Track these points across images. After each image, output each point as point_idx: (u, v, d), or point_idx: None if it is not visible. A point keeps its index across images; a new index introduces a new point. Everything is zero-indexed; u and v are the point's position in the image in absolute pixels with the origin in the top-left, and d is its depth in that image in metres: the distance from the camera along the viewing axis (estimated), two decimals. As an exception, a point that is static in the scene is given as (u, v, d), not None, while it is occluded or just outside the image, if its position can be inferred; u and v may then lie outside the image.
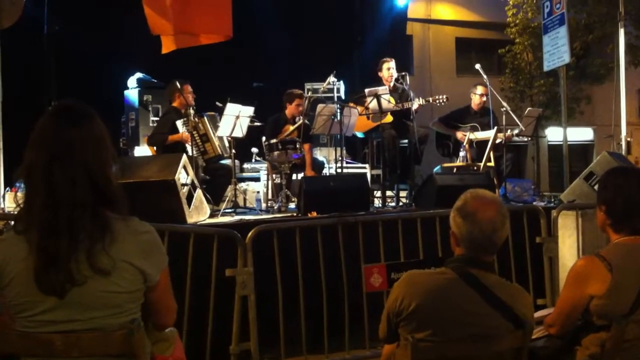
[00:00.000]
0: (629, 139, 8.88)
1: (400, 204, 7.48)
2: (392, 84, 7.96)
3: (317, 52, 10.28)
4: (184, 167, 5.53)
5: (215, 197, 6.67)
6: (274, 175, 7.46)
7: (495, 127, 7.48)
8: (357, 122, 7.57)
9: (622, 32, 9.08)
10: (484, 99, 8.14)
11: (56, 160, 2.07)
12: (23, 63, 7.77)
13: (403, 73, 7.99)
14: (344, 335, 4.86)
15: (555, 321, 2.85)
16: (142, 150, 8.56)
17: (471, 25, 20.30)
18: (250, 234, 4.49)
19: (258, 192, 8.11)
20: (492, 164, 7.43)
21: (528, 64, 17.33)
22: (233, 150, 7.02)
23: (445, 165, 7.99)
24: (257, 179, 8.56)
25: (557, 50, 8.99)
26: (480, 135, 7.70)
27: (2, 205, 6.16)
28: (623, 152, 8.44)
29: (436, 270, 2.59)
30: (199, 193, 5.73)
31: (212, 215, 6.01)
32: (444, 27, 20.45)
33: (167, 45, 7.46)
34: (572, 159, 10.92)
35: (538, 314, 3.00)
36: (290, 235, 4.77)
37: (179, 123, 7.00)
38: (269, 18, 10.30)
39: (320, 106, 7.16)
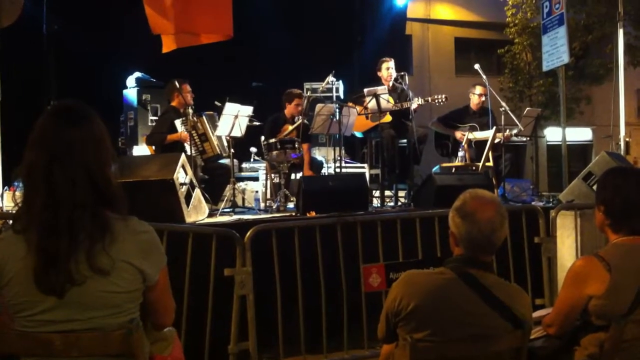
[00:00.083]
0: (627, 139, 8.89)
1: (399, 203, 7.48)
2: (391, 84, 7.96)
3: (316, 52, 10.28)
4: (183, 167, 5.52)
5: (213, 197, 6.67)
6: (272, 175, 7.46)
7: (494, 127, 7.48)
8: (356, 122, 7.57)
9: (621, 32, 9.09)
10: (483, 99, 8.14)
11: (56, 161, 2.07)
12: (22, 62, 7.77)
13: (402, 73, 7.97)
14: (342, 335, 4.86)
15: (554, 321, 2.86)
16: (141, 149, 8.56)
17: (470, 25, 20.31)
18: (248, 233, 4.49)
19: (257, 191, 8.10)
20: (490, 164, 7.43)
21: (527, 64, 17.35)
22: (232, 150, 7.03)
23: (444, 165, 7.99)
24: (256, 179, 8.56)
25: (556, 51, 8.99)
26: (479, 135, 7.70)
27: (0, 205, 6.15)
28: (622, 152, 8.43)
29: (435, 270, 2.59)
30: (197, 192, 5.72)
31: (210, 215, 6.01)
32: (443, 27, 20.46)
33: (168, 45, 7.46)
34: (571, 159, 10.94)
35: (537, 314, 3.00)
36: (289, 234, 4.76)
37: (178, 122, 7.00)
38: (268, 18, 10.29)
39: (319, 106, 7.16)
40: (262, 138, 7.49)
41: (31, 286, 2.04)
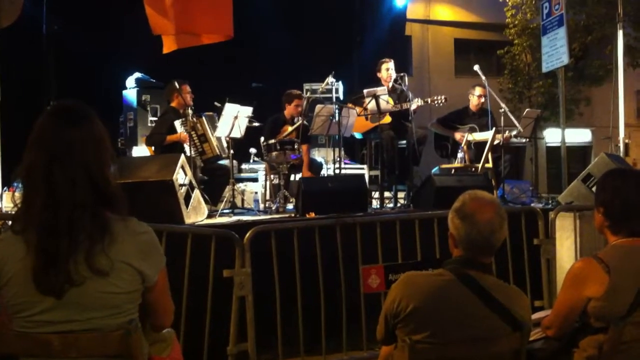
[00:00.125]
0: (627, 141, 8.88)
1: (399, 205, 7.48)
2: (390, 85, 7.96)
3: (316, 53, 10.28)
4: (182, 168, 5.52)
5: (213, 198, 6.66)
6: (272, 176, 7.46)
7: (494, 128, 7.48)
8: (356, 123, 7.57)
9: (620, 33, 9.09)
10: (482, 100, 8.14)
11: (56, 161, 2.07)
12: (22, 63, 7.77)
13: (402, 74, 7.97)
14: (341, 337, 4.86)
15: (553, 323, 2.86)
16: (141, 150, 8.56)
17: (470, 26, 20.31)
18: (248, 234, 4.48)
19: (256, 192, 8.11)
20: (490, 165, 7.43)
21: (527, 65, 17.35)
22: (231, 151, 7.02)
23: (444, 166, 7.99)
24: (255, 180, 8.56)
25: (555, 52, 8.99)
26: (478, 136, 7.70)
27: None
28: (621, 154, 8.44)
29: (434, 271, 2.59)
30: (197, 193, 5.72)
31: (210, 216, 6.00)
32: (443, 28, 20.46)
33: (168, 45, 7.46)
34: (570, 161, 10.94)
35: (536, 315, 3.01)
36: (288, 236, 4.76)
37: (177, 123, 7.00)
38: (268, 18, 10.30)
39: (318, 107, 7.16)
40: (262, 139, 7.49)
41: (30, 287, 2.04)
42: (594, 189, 4.71)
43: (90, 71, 8.91)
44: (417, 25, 19.60)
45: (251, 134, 7.46)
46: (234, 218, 6.00)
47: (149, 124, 8.79)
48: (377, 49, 10.63)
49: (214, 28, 7.59)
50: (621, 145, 8.68)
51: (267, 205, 7.16)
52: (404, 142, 7.87)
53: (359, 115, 7.47)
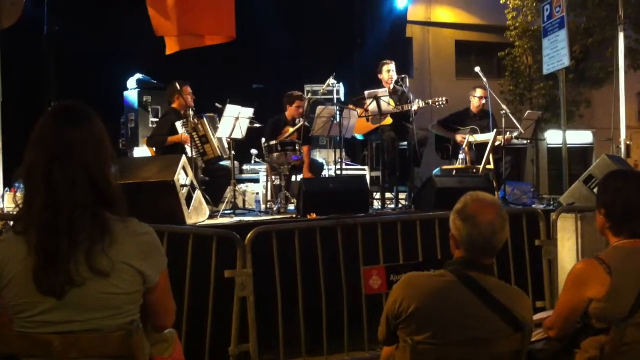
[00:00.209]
0: (628, 142, 8.89)
1: (400, 206, 7.48)
2: (392, 87, 7.96)
3: (317, 54, 10.28)
4: (184, 168, 5.52)
5: (214, 199, 6.66)
6: (273, 177, 7.45)
7: (495, 130, 7.49)
8: (357, 124, 7.57)
9: (621, 35, 9.10)
10: (483, 101, 8.15)
11: (56, 161, 2.07)
12: (23, 63, 7.76)
13: (403, 75, 7.98)
14: (343, 337, 4.86)
15: (555, 324, 2.85)
16: (142, 151, 8.57)
17: (471, 28, 20.33)
18: (249, 235, 4.48)
19: (257, 193, 8.11)
20: (491, 166, 7.43)
21: (528, 67, 17.36)
22: (232, 152, 7.02)
23: (445, 167, 7.99)
24: (257, 181, 8.56)
25: (556, 54, 9.00)
26: (479, 137, 7.70)
27: (1, 206, 6.15)
28: (623, 156, 8.44)
29: (435, 272, 2.59)
30: (198, 194, 5.72)
31: (211, 217, 6.00)
32: (444, 29, 20.47)
33: (171, 47, 7.46)
34: (572, 162, 10.95)
35: (537, 316, 3.00)
36: (289, 236, 4.76)
37: (179, 124, 7.00)
38: (269, 19, 10.29)
39: (319, 108, 7.16)
40: (263, 140, 7.50)
41: (31, 287, 2.04)
42: (595, 190, 4.71)
43: (92, 72, 8.91)
44: (418, 27, 19.62)
45: (252, 135, 7.47)
46: (236, 219, 6.00)
47: (150, 125, 8.80)
48: (378, 51, 10.63)
49: (216, 29, 7.59)
50: (622, 146, 8.69)
51: (268, 206, 7.16)
52: (405, 143, 7.88)
53: (360, 116, 7.47)
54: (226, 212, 6.48)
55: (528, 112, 8.51)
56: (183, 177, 5.47)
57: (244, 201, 7.90)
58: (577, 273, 2.81)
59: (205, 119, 7.13)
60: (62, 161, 2.07)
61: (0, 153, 6.13)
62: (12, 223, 2.36)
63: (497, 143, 7.43)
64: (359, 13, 12.00)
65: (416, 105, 7.53)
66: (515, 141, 8.06)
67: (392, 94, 7.86)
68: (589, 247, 5.51)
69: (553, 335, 2.87)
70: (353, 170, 9.08)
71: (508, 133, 7.51)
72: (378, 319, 2.67)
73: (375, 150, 8.24)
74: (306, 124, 7.50)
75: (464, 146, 7.63)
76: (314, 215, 5.78)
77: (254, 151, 8.76)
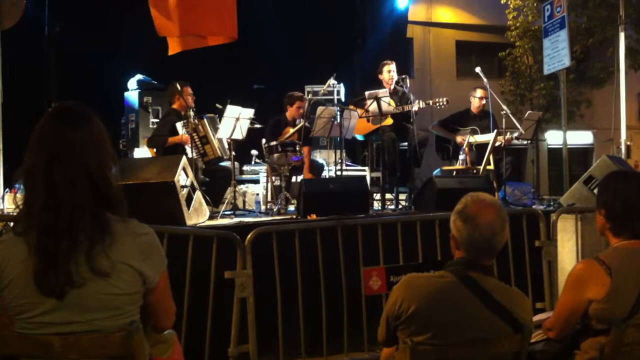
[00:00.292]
0: (628, 143, 8.89)
1: (400, 206, 7.48)
2: (392, 87, 7.96)
3: (317, 55, 10.28)
4: (184, 169, 5.52)
5: (214, 199, 6.66)
6: (273, 178, 7.45)
7: (495, 130, 7.49)
8: (357, 125, 7.57)
9: (622, 35, 9.10)
10: (484, 102, 8.15)
11: (56, 161, 2.07)
12: (23, 64, 7.77)
13: (403, 76, 7.98)
14: (342, 338, 4.86)
15: (554, 325, 2.85)
16: (142, 151, 8.57)
17: (471, 28, 20.32)
18: (249, 236, 4.48)
19: (257, 194, 8.11)
20: (491, 167, 7.43)
21: (528, 67, 17.35)
22: (233, 152, 7.02)
23: (445, 168, 7.98)
24: (257, 181, 8.56)
25: (557, 54, 9.00)
26: (480, 138, 7.70)
27: (1, 207, 6.16)
28: (623, 156, 8.45)
29: (435, 273, 2.59)
30: (198, 195, 5.72)
31: (211, 217, 6.00)
32: (445, 30, 20.47)
33: (174, 47, 7.46)
34: (572, 163, 10.96)
35: (537, 317, 3.00)
36: (289, 237, 4.76)
37: (179, 125, 7.00)
38: (269, 20, 10.29)
39: (320, 108, 7.15)
40: (263, 141, 7.49)
41: (31, 288, 2.04)
42: (595, 191, 4.71)
43: (92, 73, 8.91)
44: (418, 28, 19.61)
45: (253, 136, 7.46)
46: (236, 219, 6.00)
47: (151, 126, 8.80)
48: (379, 51, 10.62)
49: (218, 30, 7.59)
50: (623, 147, 8.69)
51: (268, 206, 7.16)
52: (406, 144, 7.88)
53: (360, 117, 7.47)
54: (226, 212, 6.48)
55: (528, 112, 8.51)
56: (183, 178, 5.47)
57: (244, 202, 7.90)
58: (577, 274, 2.81)
59: (205, 120, 7.13)
60: (62, 162, 2.07)
61: (1, 153, 6.14)
62: (12, 224, 2.35)
63: (497, 143, 7.43)
64: (360, 13, 11.99)
65: (416, 105, 7.52)
66: (515, 141, 8.06)
67: (393, 94, 7.87)
68: (588, 248, 5.51)
69: (553, 336, 2.87)
70: (353, 170, 9.08)
71: (508, 133, 7.51)
72: (378, 320, 2.67)
73: (375, 151, 8.24)
74: (306, 124, 7.50)
75: (464, 147, 7.63)
76: (314, 216, 5.78)
77: (254, 152, 8.76)
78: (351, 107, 7.63)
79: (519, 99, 17.45)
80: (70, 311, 2.07)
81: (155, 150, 7.30)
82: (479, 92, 8.20)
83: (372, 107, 7.25)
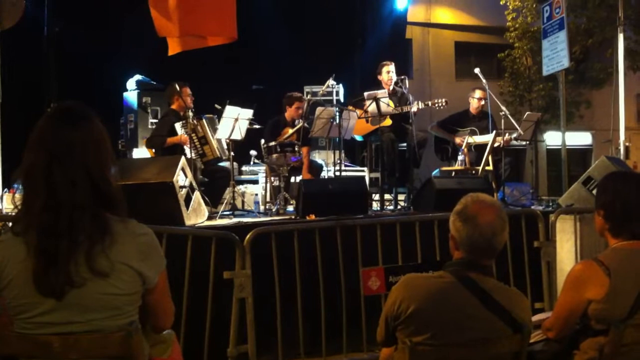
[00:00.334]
0: (627, 144, 8.91)
1: (399, 207, 7.48)
2: (391, 88, 7.96)
3: (316, 55, 10.28)
4: (183, 169, 5.52)
5: (213, 200, 6.65)
6: (272, 178, 7.45)
7: (494, 131, 7.49)
8: (356, 125, 7.57)
9: (621, 36, 9.11)
10: (482, 102, 8.16)
11: (56, 162, 2.07)
12: (23, 64, 7.77)
13: (402, 77, 7.98)
14: (341, 338, 4.86)
15: (554, 325, 2.85)
16: (141, 152, 8.57)
17: (470, 29, 20.31)
18: (248, 236, 4.48)
19: (256, 194, 8.11)
20: (490, 167, 7.44)
21: (527, 68, 17.35)
22: (232, 153, 7.02)
23: (444, 168, 7.99)
24: (256, 182, 8.56)
25: (556, 55, 9.01)
26: (479, 139, 7.70)
27: (0, 207, 6.15)
28: (621, 157, 8.46)
29: (434, 273, 2.59)
30: (197, 195, 5.72)
31: (210, 218, 6.00)
32: (444, 31, 20.46)
33: (174, 48, 7.46)
34: (571, 163, 10.96)
35: (536, 317, 3.00)
36: (288, 238, 4.76)
37: (178, 125, 7.00)
38: (268, 20, 10.29)
39: (319, 109, 7.15)
40: (262, 141, 7.49)
41: (31, 288, 2.04)
42: (594, 191, 4.71)
43: (91, 73, 8.91)
44: (417, 28, 19.60)
45: (251, 136, 7.47)
46: (234, 220, 5.99)
47: (150, 126, 8.80)
48: (378, 52, 10.62)
49: (218, 30, 7.59)
50: (621, 148, 8.70)
51: (267, 207, 7.16)
52: (405, 144, 7.87)
53: (359, 117, 7.48)
54: (225, 213, 6.48)
55: (527, 113, 8.51)
56: (182, 178, 5.47)
57: (243, 202, 7.90)
58: (576, 274, 2.81)
59: (204, 120, 7.13)
60: (62, 162, 2.07)
61: (0, 154, 6.13)
62: (10, 224, 2.35)
63: (496, 144, 7.43)
64: (359, 14, 11.99)
65: (415, 106, 7.53)
66: (514, 142, 8.06)
67: (392, 95, 7.87)
68: (587, 249, 5.52)
69: (552, 337, 2.87)
70: (352, 171, 9.08)
71: (507, 134, 7.52)
72: (377, 320, 2.67)
73: (374, 152, 8.25)
74: (305, 125, 7.50)
75: (463, 147, 7.63)
76: (313, 216, 5.78)
77: (253, 152, 8.76)
78: (350, 107, 7.64)
79: (518, 100, 17.45)
80: (69, 311, 2.07)
81: (154, 150, 7.30)
82: (478, 93, 8.20)
83: (371, 107, 7.26)
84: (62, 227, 2.03)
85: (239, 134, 6.81)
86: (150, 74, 9.31)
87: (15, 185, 6.15)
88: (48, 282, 2.02)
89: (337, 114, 7.25)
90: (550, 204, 7.56)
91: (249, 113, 6.88)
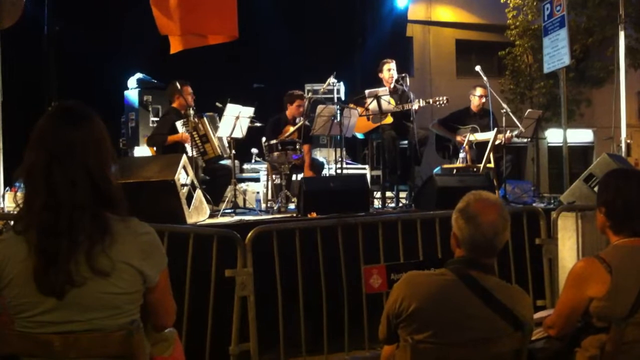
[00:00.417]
0: (628, 141, 8.87)
1: (400, 205, 7.49)
2: (392, 85, 7.96)
3: (317, 53, 10.28)
4: (184, 168, 5.52)
5: (215, 198, 6.66)
6: (273, 176, 7.45)
7: (495, 129, 7.48)
8: (357, 123, 7.57)
9: (622, 34, 9.09)
10: (483, 100, 8.15)
11: (56, 161, 2.06)
12: (23, 63, 7.77)
13: (403, 74, 7.98)
14: (343, 336, 4.85)
15: (555, 323, 2.85)
16: (142, 150, 8.57)
17: (471, 27, 20.30)
18: (249, 234, 4.48)
19: (258, 192, 8.11)
20: (492, 165, 7.43)
21: (528, 66, 17.33)
22: (233, 151, 7.02)
23: (445, 166, 7.98)
24: (257, 180, 8.56)
25: (557, 53, 9.00)
26: (480, 136, 7.70)
27: (1, 205, 6.15)
28: (623, 154, 8.43)
29: (436, 271, 2.59)
30: (198, 193, 5.72)
31: (211, 216, 6.00)
32: (444, 29, 20.45)
33: (175, 46, 7.46)
34: (572, 161, 10.93)
35: (537, 315, 3.00)
36: (289, 236, 4.76)
37: (179, 124, 7.00)
38: (269, 19, 10.30)
39: (320, 107, 7.15)
40: (263, 139, 7.49)
41: (31, 287, 2.04)
42: (595, 189, 4.70)
43: (92, 71, 8.91)
44: (418, 26, 19.60)
45: (253, 134, 7.47)
46: (236, 218, 6.00)
47: (151, 125, 8.80)
48: (379, 50, 10.62)
49: (219, 29, 7.59)
50: (623, 145, 8.68)
51: (268, 205, 7.15)
52: (406, 142, 7.87)
53: (360, 115, 7.47)
54: (226, 211, 6.49)
55: (528, 110, 8.52)
56: (183, 176, 5.47)
57: (245, 200, 7.89)
58: (577, 272, 2.80)
59: (205, 118, 7.13)
60: (62, 161, 2.07)
61: (1, 153, 6.13)
62: (12, 222, 2.35)
63: (497, 142, 7.43)
64: (360, 12, 12.01)
65: (416, 104, 7.52)
66: (515, 140, 8.06)
67: (393, 92, 7.86)
68: (589, 246, 5.52)
69: (553, 334, 2.87)
70: (353, 169, 9.09)
71: (508, 132, 7.51)
72: (378, 318, 2.67)
73: (375, 149, 8.23)
74: (306, 123, 7.50)
75: (464, 145, 7.62)
76: (314, 214, 5.78)
77: (254, 150, 8.77)
78: (351, 105, 7.63)
79: (519, 98, 17.43)
80: (70, 310, 2.07)
81: (155, 148, 7.30)
82: (479, 91, 8.20)
83: (372, 105, 7.25)
84: (62, 227, 2.03)
85: (240, 132, 6.82)
86: (151, 72, 9.32)
87: (17, 184, 6.16)
88: (48, 281, 2.02)
89: (338, 111, 7.26)
90: (552, 201, 7.55)
91: (250, 111, 6.89)
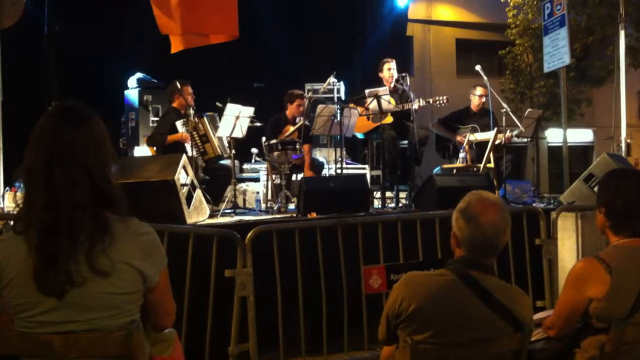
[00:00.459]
0: (628, 141, 8.87)
1: (400, 205, 7.48)
2: (392, 85, 7.96)
3: (317, 53, 10.28)
4: (184, 168, 5.52)
5: (214, 198, 6.66)
6: (273, 176, 7.45)
7: (495, 128, 7.48)
8: (357, 123, 7.57)
9: (622, 34, 9.08)
10: (483, 100, 8.15)
11: (56, 161, 2.06)
12: (23, 63, 7.77)
13: (403, 74, 7.98)
14: (343, 337, 4.85)
15: (555, 323, 2.85)
16: (142, 150, 8.56)
17: (471, 26, 20.31)
18: (249, 234, 4.47)
19: (258, 192, 8.11)
20: (492, 165, 7.42)
21: (528, 65, 17.32)
22: (233, 151, 7.02)
23: (445, 166, 7.98)
24: (257, 180, 8.56)
25: (557, 52, 8.99)
26: (480, 136, 7.70)
27: (1, 205, 6.15)
28: (623, 154, 8.43)
29: (436, 271, 2.59)
30: (198, 193, 5.72)
31: (211, 216, 6.00)
32: (445, 28, 20.45)
33: (176, 46, 7.46)
34: (572, 161, 10.93)
35: (537, 316, 3.00)
36: (289, 236, 4.76)
37: (179, 124, 7.00)
38: (269, 18, 10.30)
39: (320, 107, 7.15)
40: (263, 139, 7.49)
41: (31, 287, 2.04)
42: (595, 189, 4.70)
43: (92, 71, 8.91)
44: (418, 26, 19.60)
45: (253, 134, 7.47)
46: (236, 218, 6.00)
47: (151, 124, 8.79)
48: (379, 49, 10.61)
49: (220, 28, 7.59)
50: (623, 145, 8.67)
51: (268, 205, 7.15)
52: (406, 142, 7.87)
53: (360, 115, 7.47)
54: (226, 211, 6.49)
55: (528, 110, 8.51)
56: (183, 176, 5.47)
57: (244, 200, 7.89)
58: (577, 272, 2.80)
59: (205, 118, 7.13)
60: (62, 161, 2.07)
61: (1, 152, 6.13)
62: (12, 222, 2.35)
63: (497, 141, 7.43)
64: (360, 12, 12.00)
65: (417, 103, 7.52)
66: (515, 139, 8.05)
67: (393, 92, 7.86)
68: (589, 246, 5.52)
69: (553, 335, 2.86)
70: (353, 169, 9.08)
71: (508, 131, 7.51)
72: (378, 319, 2.67)
73: (375, 149, 8.23)
74: (306, 122, 7.50)
75: (464, 144, 7.62)
76: (314, 215, 5.78)
77: (254, 150, 8.76)
78: (351, 105, 7.63)
79: (519, 97, 17.42)
80: (70, 310, 2.07)
81: (155, 148, 7.30)
82: (479, 90, 8.19)
83: (372, 105, 7.25)
84: (62, 227, 2.03)
85: (240, 132, 6.82)
86: (151, 71, 9.31)
87: (17, 184, 6.16)
88: (48, 281, 2.02)
89: (338, 111, 7.25)
90: (552, 201, 7.55)
91: (250, 111, 6.89)
